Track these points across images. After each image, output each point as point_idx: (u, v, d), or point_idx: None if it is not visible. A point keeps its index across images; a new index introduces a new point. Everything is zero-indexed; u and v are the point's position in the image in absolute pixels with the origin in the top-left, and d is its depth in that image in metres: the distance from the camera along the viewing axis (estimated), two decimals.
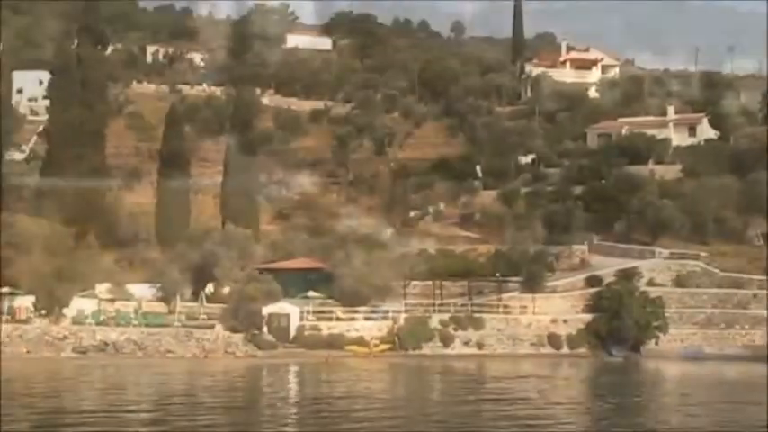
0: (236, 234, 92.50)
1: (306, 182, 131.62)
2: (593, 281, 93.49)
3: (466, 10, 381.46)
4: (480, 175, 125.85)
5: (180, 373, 67.49)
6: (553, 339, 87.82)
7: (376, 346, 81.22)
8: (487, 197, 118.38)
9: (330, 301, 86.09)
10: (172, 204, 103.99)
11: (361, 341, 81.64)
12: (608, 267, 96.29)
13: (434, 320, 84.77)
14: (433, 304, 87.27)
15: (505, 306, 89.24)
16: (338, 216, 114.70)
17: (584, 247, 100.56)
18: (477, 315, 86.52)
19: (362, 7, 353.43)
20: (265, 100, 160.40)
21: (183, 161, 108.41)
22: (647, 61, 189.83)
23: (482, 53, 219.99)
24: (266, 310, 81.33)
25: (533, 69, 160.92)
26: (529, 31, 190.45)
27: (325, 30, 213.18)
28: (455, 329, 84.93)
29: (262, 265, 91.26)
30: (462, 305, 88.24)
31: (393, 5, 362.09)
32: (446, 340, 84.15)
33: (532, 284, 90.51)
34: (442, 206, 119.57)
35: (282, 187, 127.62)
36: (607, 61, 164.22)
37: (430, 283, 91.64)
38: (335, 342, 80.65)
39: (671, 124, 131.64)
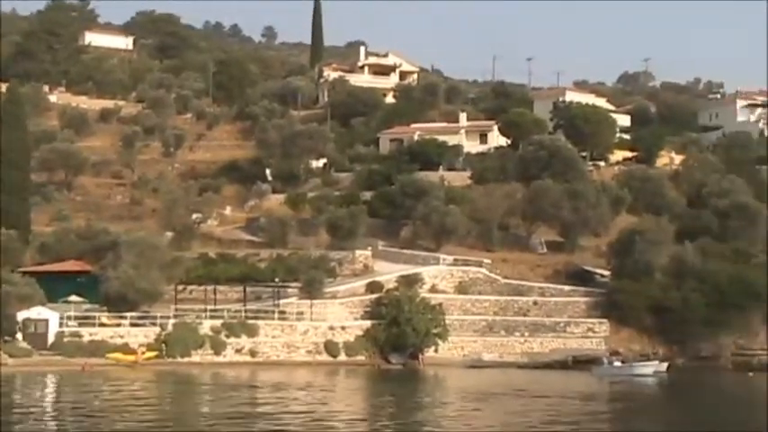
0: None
1: (89, 182, 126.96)
2: (374, 287, 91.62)
3: (282, 16, 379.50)
4: (270, 178, 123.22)
5: None
6: (330, 347, 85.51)
7: (142, 353, 77.41)
8: (276, 201, 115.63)
9: (96, 305, 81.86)
10: None
11: (126, 348, 77.63)
12: (391, 273, 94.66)
13: (206, 327, 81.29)
14: (205, 309, 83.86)
15: (282, 312, 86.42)
16: (120, 218, 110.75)
17: (368, 253, 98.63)
18: (251, 321, 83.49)
19: (176, 8, 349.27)
20: (53, 97, 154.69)
21: None
22: (450, 69, 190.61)
23: (287, 58, 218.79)
24: (21, 315, 76.48)
25: (331, 74, 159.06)
26: (339, 39, 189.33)
27: (127, 29, 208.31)
28: (227, 336, 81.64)
29: (28, 269, 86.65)
30: (236, 311, 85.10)
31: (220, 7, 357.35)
32: (217, 347, 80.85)
33: (311, 290, 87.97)
34: (228, 209, 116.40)
35: (64, 187, 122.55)
36: (405, 67, 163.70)
37: (208, 288, 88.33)
38: (98, 349, 76.45)
39: (463, 131, 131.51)
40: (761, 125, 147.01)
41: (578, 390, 68.03)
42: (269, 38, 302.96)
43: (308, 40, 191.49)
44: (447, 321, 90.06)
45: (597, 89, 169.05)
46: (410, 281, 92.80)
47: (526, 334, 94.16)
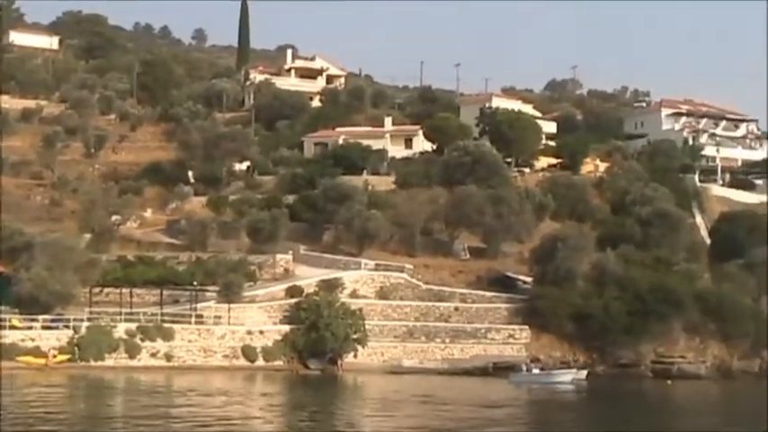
0: None
1: (8, 182, 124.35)
2: (293, 291, 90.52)
3: (213, 18, 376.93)
4: (192, 180, 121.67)
5: None
6: (247, 351, 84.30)
7: (53, 356, 75.70)
8: (198, 203, 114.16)
9: (7, 307, 79.90)
10: None
11: (37, 351, 75.85)
12: (312, 278, 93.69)
13: (120, 330, 79.66)
14: (121, 313, 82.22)
15: (199, 316, 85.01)
16: (40, 219, 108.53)
17: (289, 257, 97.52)
18: (167, 325, 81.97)
19: (105, 8, 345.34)
20: None
21: None
22: (380, 74, 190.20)
23: (216, 60, 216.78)
24: None
25: (257, 76, 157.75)
26: (270, 42, 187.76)
27: (54, 29, 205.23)
28: (142, 340, 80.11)
29: None
30: (153, 314, 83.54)
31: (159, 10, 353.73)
32: (132, 351, 79.28)
33: (229, 294, 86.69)
34: (149, 211, 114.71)
35: None
36: (333, 71, 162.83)
37: (125, 290, 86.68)
38: (7, 353, 74.54)
39: (388, 135, 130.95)
40: (685, 134, 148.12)
41: (489, 397, 67.63)
42: (199, 40, 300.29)
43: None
44: (367, 327, 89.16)
45: (525, 96, 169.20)
46: (331, 285, 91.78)
47: (447, 340, 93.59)
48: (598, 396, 75.31)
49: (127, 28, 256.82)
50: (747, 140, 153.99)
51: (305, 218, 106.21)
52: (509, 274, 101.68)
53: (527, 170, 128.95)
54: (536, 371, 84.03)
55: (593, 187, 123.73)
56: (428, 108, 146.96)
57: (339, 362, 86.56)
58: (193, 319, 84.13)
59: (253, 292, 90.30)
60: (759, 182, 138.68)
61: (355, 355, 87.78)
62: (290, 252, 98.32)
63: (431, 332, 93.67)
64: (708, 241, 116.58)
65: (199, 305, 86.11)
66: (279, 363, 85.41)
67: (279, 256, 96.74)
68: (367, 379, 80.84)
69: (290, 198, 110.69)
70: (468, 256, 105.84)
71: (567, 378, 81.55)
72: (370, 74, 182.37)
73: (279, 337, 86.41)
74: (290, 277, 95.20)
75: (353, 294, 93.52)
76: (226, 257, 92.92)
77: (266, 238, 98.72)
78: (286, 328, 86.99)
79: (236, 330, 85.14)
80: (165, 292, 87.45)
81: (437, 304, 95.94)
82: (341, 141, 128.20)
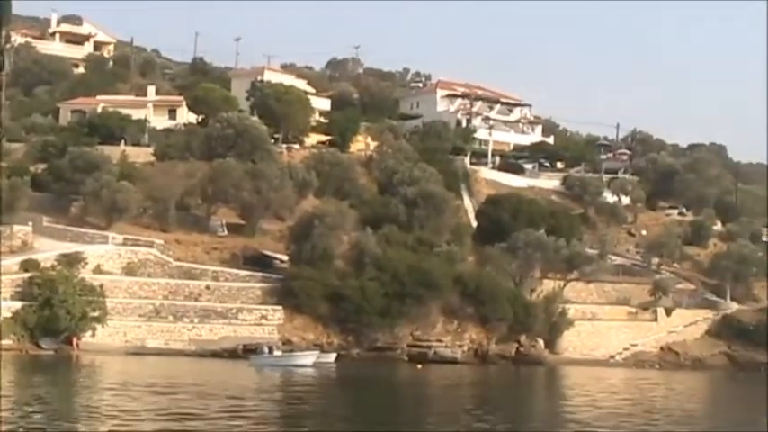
0: None
1: None
2: (28, 265, 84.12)
3: None
4: None
5: None
6: None
7: None
8: None
9: None
10: None
11: None
12: (52, 251, 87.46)
13: None
14: None
15: None
16: None
17: (29, 229, 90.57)
18: None
19: None
20: None
21: None
22: (156, 45, 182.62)
23: None
24: None
25: (18, 39, 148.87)
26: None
27: None
28: None
29: None
30: None
31: None
32: None
33: None
34: None
35: None
36: (102, 38, 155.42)
37: None
38: None
39: (150, 105, 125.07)
40: (459, 116, 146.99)
41: (216, 379, 63.35)
42: None
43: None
44: (110, 305, 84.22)
45: (302, 72, 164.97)
46: (72, 260, 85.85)
47: (195, 320, 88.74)
48: (335, 380, 72.03)
49: None
50: (520, 125, 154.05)
51: (51, 189, 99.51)
52: (266, 252, 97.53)
53: (296, 146, 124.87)
54: (277, 353, 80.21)
55: (361, 166, 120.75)
56: (199, 80, 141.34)
57: (75, 341, 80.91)
58: None
59: None
60: (528, 166, 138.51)
61: (93, 335, 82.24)
62: (30, 224, 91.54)
63: (179, 311, 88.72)
64: (474, 224, 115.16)
65: None
66: (8, 342, 78.89)
67: (16, 228, 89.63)
68: (105, 360, 75.44)
69: (42, 167, 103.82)
70: (225, 232, 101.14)
71: (309, 361, 78.11)
72: (143, 45, 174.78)
73: (9, 315, 79.94)
74: (28, 250, 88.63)
75: (97, 270, 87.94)
76: None
77: (5, 208, 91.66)
78: (17, 304, 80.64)
79: None
80: None
81: (187, 282, 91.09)
82: (100, 110, 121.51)
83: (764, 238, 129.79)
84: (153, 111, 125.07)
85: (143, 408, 45.03)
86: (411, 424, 45.53)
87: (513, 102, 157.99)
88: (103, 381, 62.09)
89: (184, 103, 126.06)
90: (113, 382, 58.42)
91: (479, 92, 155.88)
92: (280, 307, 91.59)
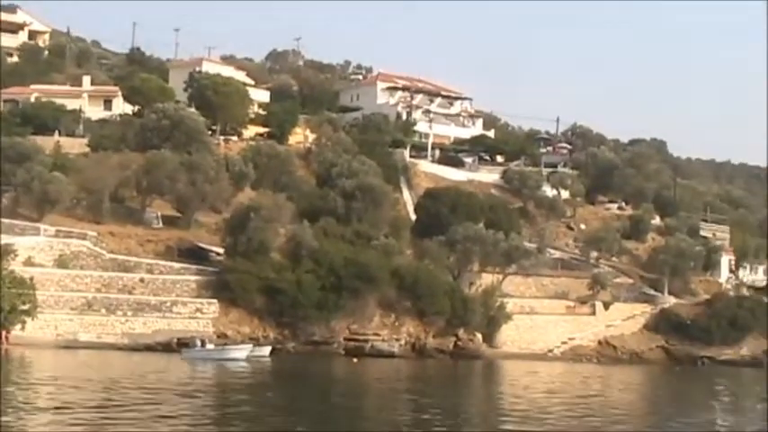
0: None
1: None
2: None
3: None
4: None
5: None
6: None
7: None
8: None
9: None
10: None
11: None
12: None
13: None
14: None
15: None
16: None
17: None
18: None
19: None
20: None
21: None
22: (93, 35, 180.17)
23: None
24: None
25: None
26: None
27: None
28: None
29: None
30: None
31: None
32: None
33: None
34: None
35: None
36: (37, 26, 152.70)
37: None
38: None
39: (86, 95, 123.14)
40: (399, 108, 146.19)
41: (138, 373, 62.15)
42: None
43: None
44: (41, 298, 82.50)
45: (241, 64, 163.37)
46: (1, 252, 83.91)
47: (129, 313, 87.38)
48: (265, 374, 70.97)
49: None
50: (461, 118, 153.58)
51: None
52: (201, 244, 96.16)
53: (234, 138, 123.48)
54: (210, 346, 79.13)
55: (300, 159, 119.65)
56: (136, 70, 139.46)
57: (5, 335, 79.21)
58: None
59: None
60: (468, 159, 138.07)
61: (23, 328, 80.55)
62: None
63: (112, 304, 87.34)
64: (413, 217, 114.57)
65: None
66: None
67: None
68: (34, 355, 73.83)
69: None
70: (160, 224, 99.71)
71: (242, 354, 77.14)
72: (85, 36, 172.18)
73: None
74: None
75: (28, 262, 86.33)
76: None
77: None
78: None
79: None
80: None
81: (120, 275, 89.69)
82: (33, 99, 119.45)
83: (702, 233, 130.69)
84: (88, 101, 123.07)
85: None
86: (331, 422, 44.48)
87: (453, 95, 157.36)
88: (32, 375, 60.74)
89: (120, 93, 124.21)
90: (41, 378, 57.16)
91: (420, 85, 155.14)
92: (215, 300, 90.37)
